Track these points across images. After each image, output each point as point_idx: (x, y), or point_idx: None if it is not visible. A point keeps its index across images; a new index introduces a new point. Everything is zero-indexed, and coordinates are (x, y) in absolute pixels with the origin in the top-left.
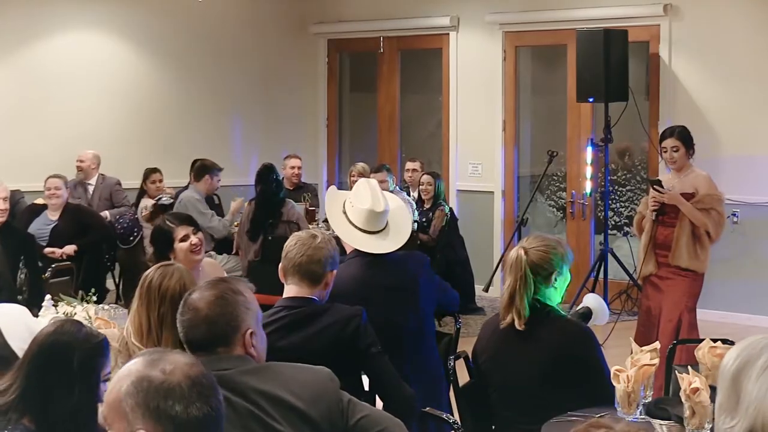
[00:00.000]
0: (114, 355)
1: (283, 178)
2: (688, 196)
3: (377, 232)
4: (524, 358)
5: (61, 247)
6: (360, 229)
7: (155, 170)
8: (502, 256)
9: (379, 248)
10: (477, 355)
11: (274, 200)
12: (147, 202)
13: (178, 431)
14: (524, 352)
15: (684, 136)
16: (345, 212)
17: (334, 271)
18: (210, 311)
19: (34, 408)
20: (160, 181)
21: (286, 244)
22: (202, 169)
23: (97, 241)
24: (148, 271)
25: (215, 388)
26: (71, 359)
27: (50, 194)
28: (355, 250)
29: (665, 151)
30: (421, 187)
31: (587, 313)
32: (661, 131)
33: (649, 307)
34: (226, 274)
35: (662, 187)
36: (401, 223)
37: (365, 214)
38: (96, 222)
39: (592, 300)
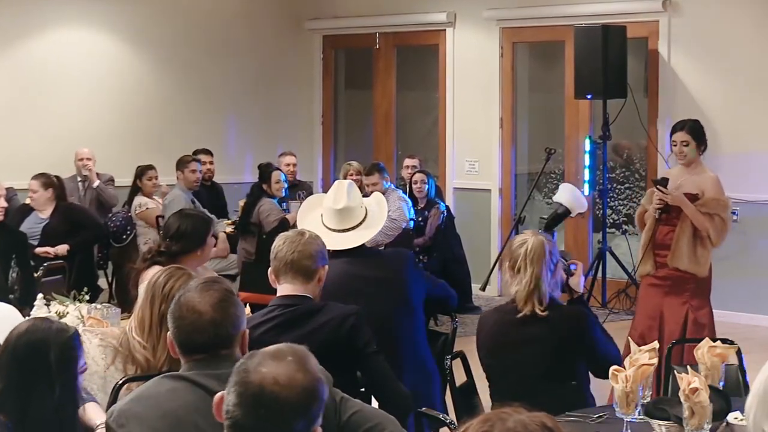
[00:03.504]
0: (113, 354)
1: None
2: (692, 197)
3: (348, 229)
4: (525, 348)
5: (53, 246)
6: (330, 228)
7: (150, 167)
8: (500, 255)
9: (337, 244)
10: (479, 348)
11: (248, 201)
12: (141, 200)
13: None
14: (525, 342)
15: (695, 131)
16: (321, 214)
17: (326, 267)
18: (216, 314)
19: (13, 408)
20: (156, 177)
21: (273, 246)
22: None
23: (89, 240)
24: (158, 271)
25: (286, 412)
26: (47, 356)
27: (28, 196)
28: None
29: (675, 145)
30: (414, 186)
31: (564, 213)
32: (659, 128)
33: (648, 309)
34: (215, 274)
35: (666, 186)
36: (372, 220)
37: (328, 212)
38: (88, 221)
39: (565, 195)
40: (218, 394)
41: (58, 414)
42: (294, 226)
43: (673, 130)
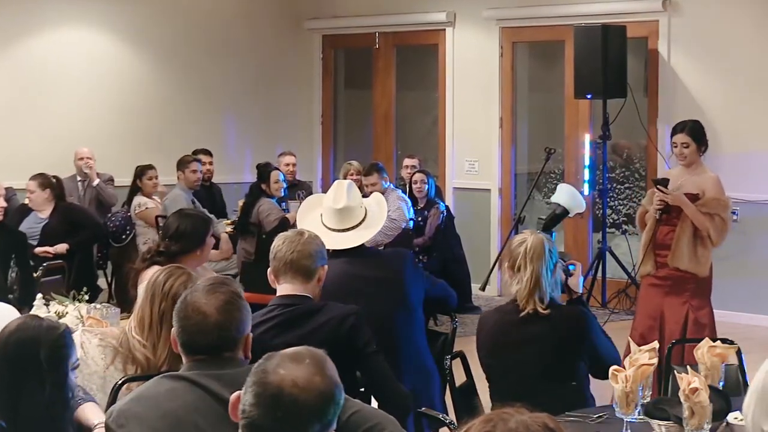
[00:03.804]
0: (113, 354)
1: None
2: (692, 197)
3: (348, 229)
4: (525, 348)
5: (52, 246)
6: (329, 228)
7: (150, 167)
8: (499, 255)
9: (337, 244)
10: (479, 348)
11: (247, 201)
12: (140, 200)
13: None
14: (525, 342)
15: (695, 132)
16: (321, 214)
17: (326, 267)
18: (220, 317)
19: (4, 407)
20: (156, 177)
21: (272, 246)
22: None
23: (88, 239)
24: (157, 270)
25: (301, 414)
26: (37, 354)
27: (26, 197)
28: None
29: (675, 147)
30: (414, 185)
31: (563, 213)
32: (659, 128)
33: (649, 309)
34: (215, 274)
35: (666, 186)
36: (372, 220)
37: (328, 212)
38: (88, 221)
39: (563, 195)
40: (235, 394)
41: (48, 412)
42: (294, 225)
43: (674, 132)
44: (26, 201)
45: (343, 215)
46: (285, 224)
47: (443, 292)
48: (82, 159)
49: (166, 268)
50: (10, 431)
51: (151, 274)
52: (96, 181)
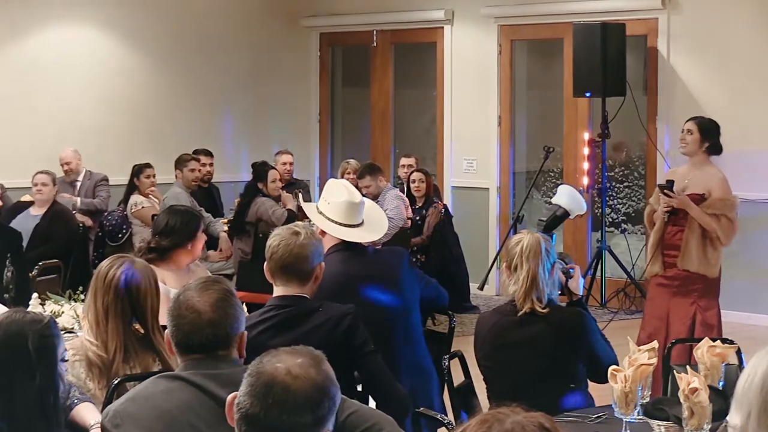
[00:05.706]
0: (87, 366)
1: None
2: (698, 198)
3: (356, 225)
4: (523, 349)
5: (39, 246)
6: (340, 223)
7: (148, 165)
8: (498, 254)
9: (363, 238)
10: (477, 350)
11: (243, 200)
12: (136, 199)
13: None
14: (524, 343)
15: (703, 125)
16: (321, 212)
17: (323, 264)
18: (214, 314)
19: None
20: (154, 176)
21: (268, 243)
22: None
23: (50, 253)
24: (102, 262)
25: (289, 402)
26: (26, 346)
27: (36, 190)
28: (332, 247)
29: (682, 131)
30: (412, 185)
31: (564, 215)
32: (659, 126)
33: (656, 310)
34: (209, 273)
35: (672, 189)
36: (376, 217)
37: (344, 206)
38: (59, 233)
39: (564, 197)
40: (231, 395)
41: (39, 402)
42: (300, 215)
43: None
44: (36, 195)
45: (358, 210)
46: (293, 216)
47: (434, 292)
48: (62, 165)
49: (108, 260)
50: (5, 428)
51: None
52: (77, 201)
